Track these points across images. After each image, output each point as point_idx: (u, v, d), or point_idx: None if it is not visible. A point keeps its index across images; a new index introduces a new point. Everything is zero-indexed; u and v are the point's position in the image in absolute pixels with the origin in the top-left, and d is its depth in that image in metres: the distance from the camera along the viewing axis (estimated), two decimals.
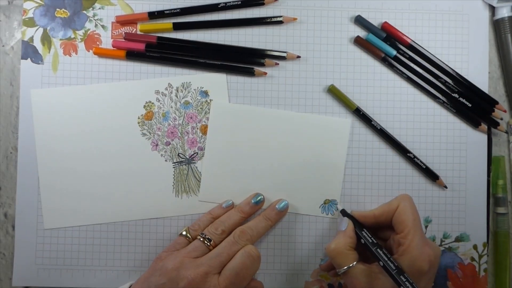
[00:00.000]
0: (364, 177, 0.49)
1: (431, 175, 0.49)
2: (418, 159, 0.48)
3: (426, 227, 0.49)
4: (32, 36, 0.48)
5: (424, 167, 0.48)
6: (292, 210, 0.48)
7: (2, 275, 0.49)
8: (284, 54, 0.49)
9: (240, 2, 0.48)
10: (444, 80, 0.49)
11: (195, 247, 0.43)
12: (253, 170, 0.48)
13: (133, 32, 0.49)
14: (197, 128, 0.49)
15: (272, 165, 0.48)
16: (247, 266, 0.41)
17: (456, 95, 0.49)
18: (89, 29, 0.49)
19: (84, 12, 0.49)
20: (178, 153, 0.48)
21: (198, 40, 0.49)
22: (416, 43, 0.49)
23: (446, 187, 0.49)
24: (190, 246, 0.43)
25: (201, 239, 0.43)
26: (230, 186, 0.48)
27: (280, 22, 0.49)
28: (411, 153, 0.48)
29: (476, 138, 0.50)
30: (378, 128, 0.48)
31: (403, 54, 0.49)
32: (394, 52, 0.48)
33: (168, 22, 0.49)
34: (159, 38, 0.48)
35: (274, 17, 0.49)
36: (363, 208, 0.49)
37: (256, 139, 0.48)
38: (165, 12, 0.48)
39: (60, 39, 0.49)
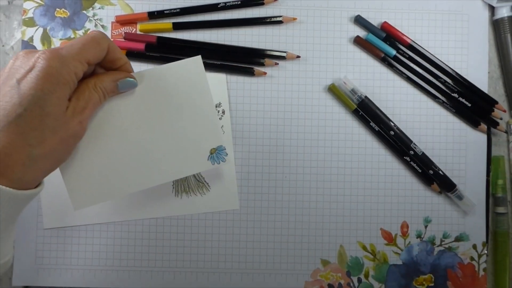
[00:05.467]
0: (364, 177, 0.49)
1: (427, 180, 0.49)
2: (414, 163, 0.48)
3: (426, 227, 0.49)
4: (32, 36, 0.48)
5: (420, 171, 0.48)
6: (178, 174, 0.42)
7: (2, 275, 0.49)
8: (284, 54, 0.49)
9: (239, 2, 0.48)
10: (444, 80, 0.49)
11: None
12: (121, 152, 0.41)
13: (133, 32, 0.49)
14: None
15: (140, 136, 0.41)
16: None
17: (455, 95, 0.49)
18: (89, 29, 0.49)
19: (84, 12, 0.49)
20: None
21: (198, 40, 0.49)
22: (416, 43, 0.49)
23: (440, 192, 0.49)
24: None
25: None
26: (100, 180, 0.40)
27: (280, 22, 0.49)
28: (408, 156, 0.48)
29: (476, 138, 0.50)
30: (376, 130, 0.48)
31: (403, 54, 0.49)
32: (394, 52, 0.49)
33: (168, 22, 0.49)
34: (159, 38, 0.48)
35: (273, 17, 0.49)
36: (363, 208, 0.49)
37: (112, 115, 0.40)
38: (165, 12, 0.48)
39: (60, 39, 0.49)
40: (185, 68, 0.42)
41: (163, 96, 0.41)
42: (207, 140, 0.43)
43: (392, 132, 0.48)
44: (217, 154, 0.43)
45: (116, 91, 0.38)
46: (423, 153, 0.48)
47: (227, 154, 0.43)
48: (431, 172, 0.48)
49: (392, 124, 0.48)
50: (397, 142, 0.48)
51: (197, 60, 0.42)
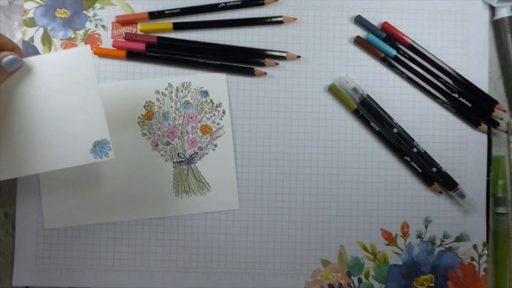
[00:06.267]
0: (364, 177, 0.49)
1: (427, 180, 0.49)
2: (414, 163, 0.48)
3: (426, 227, 0.49)
4: (33, 36, 0.48)
5: (421, 171, 0.48)
6: (60, 164, 0.42)
7: (2, 275, 0.49)
8: (284, 54, 0.49)
9: (240, 2, 0.48)
10: (444, 80, 0.49)
11: None
12: (11, 137, 0.42)
13: (133, 32, 0.49)
14: (197, 128, 0.49)
15: (29, 124, 0.42)
16: None
17: (456, 95, 0.49)
18: (89, 29, 0.49)
19: (85, 12, 0.49)
20: (178, 153, 0.49)
21: (198, 40, 0.49)
22: (416, 43, 0.49)
23: (441, 192, 0.49)
24: None
25: None
26: None
27: (280, 22, 0.49)
28: (408, 156, 0.48)
29: (476, 138, 0.50)
30: (377, 130, 0.48)
31: (403, 54, 0.49)
32: (394, 52, 0.49)
33: (168, 22, 0.49)
34: (159, 38, 0.48)
35: (274, 17, 0.49)
36: (363, 208, 0.49)
37: (3, 100, 0.41)
38: (165, 12, 0.48)
39: (61, 39, 0.49)
40: (72, 58, 0.41)
41: (49, 83, 0.41)
42: (91, 133, 0.42)
43: (395, 130, 0.48)
44: (100, 148, 0.42)
45: (3, 72, 0.38)
46: (425, 151, 0.48)
47: (110, 148, 0.42)
48: (434, 169, 0.48)
49: (395, 122, 0.48)
50: (399, 140, 0.48)
51: (85, 50, 0.41)
